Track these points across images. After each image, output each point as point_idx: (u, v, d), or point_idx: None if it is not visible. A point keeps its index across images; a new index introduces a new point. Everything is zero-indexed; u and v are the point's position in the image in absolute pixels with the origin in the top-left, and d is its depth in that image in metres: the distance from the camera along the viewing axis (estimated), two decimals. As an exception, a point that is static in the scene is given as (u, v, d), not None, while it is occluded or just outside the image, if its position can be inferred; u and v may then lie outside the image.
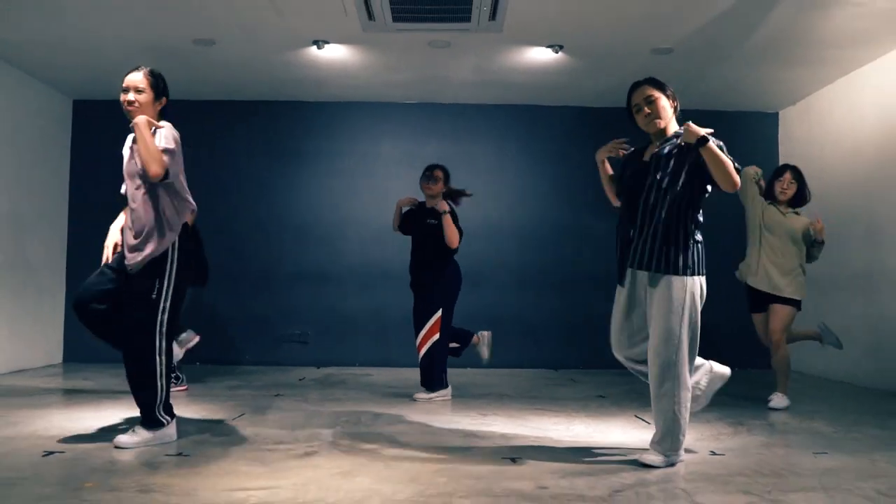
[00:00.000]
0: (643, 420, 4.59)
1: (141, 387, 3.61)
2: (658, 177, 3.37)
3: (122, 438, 3.56)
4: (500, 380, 6.60)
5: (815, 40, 5.86)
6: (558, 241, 7.85)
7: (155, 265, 3.58)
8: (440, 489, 2.90)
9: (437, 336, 5.33)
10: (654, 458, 3.37)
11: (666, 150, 3.42)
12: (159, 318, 3.59)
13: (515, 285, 7.77)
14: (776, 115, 8.06)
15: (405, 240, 8.09)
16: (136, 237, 3.56)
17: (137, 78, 3.63)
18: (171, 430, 3.71)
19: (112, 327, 3.70)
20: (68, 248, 7.71)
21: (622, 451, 3.68)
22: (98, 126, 7.78)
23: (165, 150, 3.54)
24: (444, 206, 5.39)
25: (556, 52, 6.22)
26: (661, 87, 3.51)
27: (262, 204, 7.83)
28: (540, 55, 6.32)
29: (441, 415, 4.73)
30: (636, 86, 3.53)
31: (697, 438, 3.99)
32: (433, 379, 5.38)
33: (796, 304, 5.24)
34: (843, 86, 6.83)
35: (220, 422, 4.35)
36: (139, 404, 3.65)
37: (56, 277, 7.56)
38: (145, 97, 3.62)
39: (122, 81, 3.65)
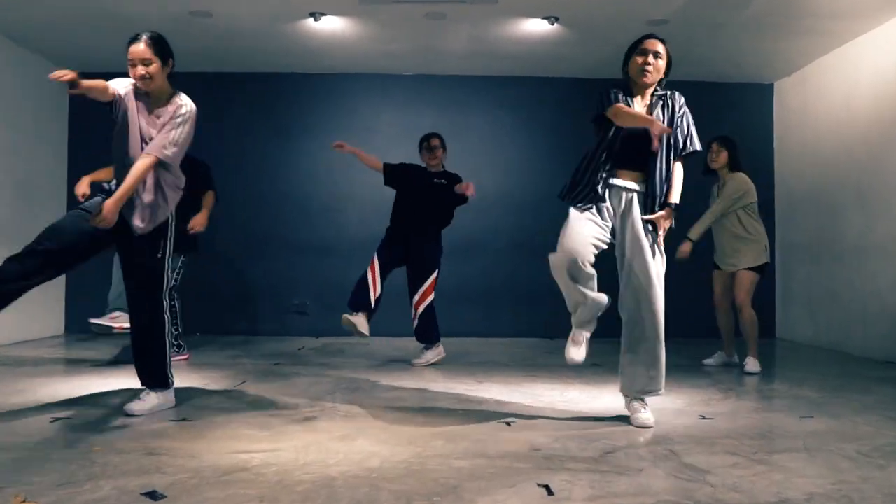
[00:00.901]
0: (635, 386, 4.69)
1: (150, 347, 3.70)
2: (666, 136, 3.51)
3: (132, 406, 3.64)
4: (496, 348, 6.70)
5: (811, 11, 5.88)
6: (552, 210, 7.81)
7: (159, 227, 3.68)
8: (437, 451, 3.00)
9: (432, 296, 5.56)
10: (649, 415, 3.56)
11: (661, 112, 3.59)
12: (165, 276, 3.70)
13: (510, 254, 7.85)
14: (771, 86, 8.09)
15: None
16: (144, 202, 3.60)
17: (141, 49, 3.54)
18: (171, 394, 3.82)
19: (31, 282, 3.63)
20: (68, 221, 7.75)
21: (614, 416, 3.78)
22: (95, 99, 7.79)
23: (175, 143, 3.62)
24: (472, 190, 5.55)
25: (552, 24, 6.24)
26: (669, 54, 3.65)
27: (261, 176, 7.88)
28: (535, 27, 6.35)
29: (437, 381, 4.84)
30: (652, 36, 3.64)
31: (688, 403, 4.10)
32: (432, 333, 5.58)
33: (757, 269, 5.48)
34: (837, 57, 6.86)
35: (221, 390, 4.45)
36: (148, 366, 3.73)
37: (56, 249, 7.61)
38: (155, 67, 3.56)
39: (127, 53, 3.57)
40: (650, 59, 3.56)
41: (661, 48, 3.60)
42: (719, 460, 2.91)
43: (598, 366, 5.59)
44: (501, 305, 7.82)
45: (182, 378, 4.80)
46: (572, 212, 3.57)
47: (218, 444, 3.07)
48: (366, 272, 5.53)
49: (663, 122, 3.55)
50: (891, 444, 3.19)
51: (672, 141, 3.57)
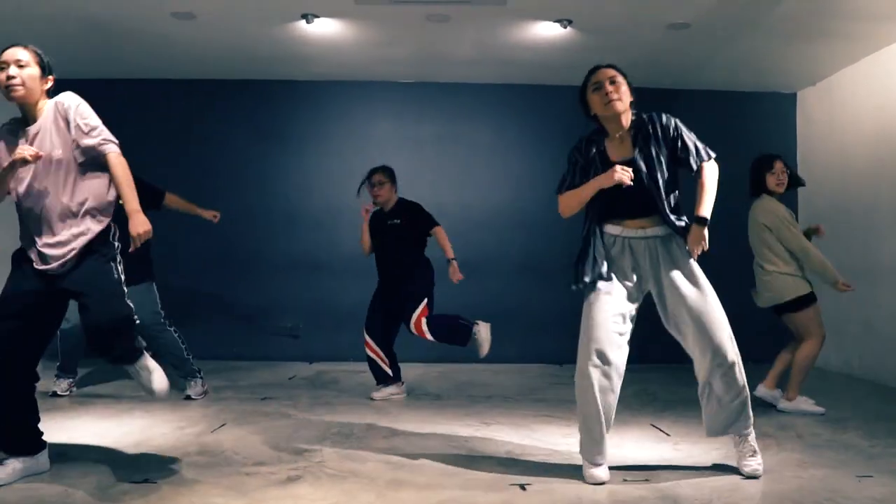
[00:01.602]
0: (660, 430, 4.21)
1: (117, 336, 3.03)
2: (651, 171, 3.22)
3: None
4: (503, 377, 6.22)
5: (841, 14, 5.42)
6: (562, 228, 7.35)
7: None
8: (441, 531, 2.51)
9: (427, 314, 5.11)
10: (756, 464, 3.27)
11: (643, 144, 3.26)
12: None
13: (517, 275, 7.38)
14: (794, 95, 7.64)
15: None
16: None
17: (18, 51, 3.08)
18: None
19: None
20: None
21: (643, 472, 3.29)
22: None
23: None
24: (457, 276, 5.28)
25: (565, 28, 5.78)
26: (624, 73, 3.34)
27: (249, 189, 7.41)
28: (546, 30, 5.88)
29: (439, 423, 4.34)
30: (597, 68, 3.35)
31: (725, 456, 3.60)
32: (459, 333, 5.12)
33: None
34: (868, 65, 6.39)
35: (196, 435, 3.94)
36: (120, 351, 3.05)
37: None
38: (30, 73, 3.07)
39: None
40: (608, 87, 3.25)
41: (612, 72, 3.31)
42: (781, 547, 2.41)
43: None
44: (508, 330, 7.30)
45: (155, 418, 4.33)
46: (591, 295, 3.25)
47: (180, 521, 2.58)
48: (367, 352, 5.20)
49: (651, 152, 3.24)
50: (977, 518, 2.70)
51: (663, 169, 3.25)
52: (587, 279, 3.24)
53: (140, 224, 2.99)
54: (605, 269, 3.22)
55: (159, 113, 7.31)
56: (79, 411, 4.54)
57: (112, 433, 3.96)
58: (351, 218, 7.37)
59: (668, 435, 4.10)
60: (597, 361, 3.17)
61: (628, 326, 3.26)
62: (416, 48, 6.44)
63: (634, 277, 3.25)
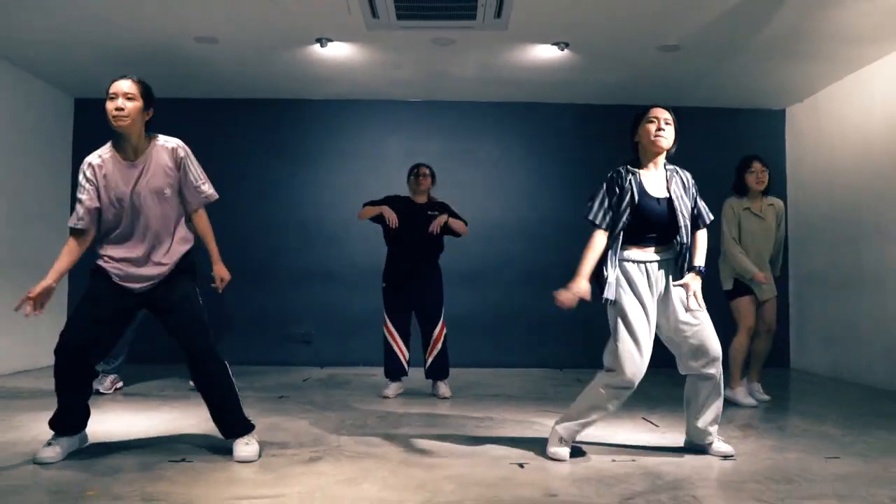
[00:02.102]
0: (650, 422, 4.54)
1: (228, 396, 3.56)
2: (680, 203, 3.60)
3: (244, 451, 3.45)
4: (506, 381, 6.54)
5: (824, 36, 5.79)
6: (563, 239, 7.75)
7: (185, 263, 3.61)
8: (448, 497, 2.85)
9: (443, 339, 5.53)
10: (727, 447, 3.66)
11: (675, 183, 3.65)
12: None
13: (520, 284, 7.72)
14: (783, 112, 8.00)
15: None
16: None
17: (126, 84, 3.40)
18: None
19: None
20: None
21: (631, 455, 3.63)
22: (99, 124, 7.66)
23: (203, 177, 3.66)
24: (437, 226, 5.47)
25: (562, 50, 6.16)
26: (676, 119, 3.68)
27: (266, 202, 7.79)
28: (545, 52, 6.27)
29: (447, 417, 4.69)
30: (658, 105, 3.68)
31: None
32: (447, 369, 5.56)
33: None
34: (852, 83, 6.76)
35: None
36: (230, 417, 3.56)
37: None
38: (135, 105, 3.39)
39: (109, 88, 3.41)
40: (662, 125, 3.58)
41: (669, 116, 3.62)
42: (746, 508, 2.75)
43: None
44: (512, 336, 7.67)
45: (184, 413, 4.68)
46: (626, 308, 3.49)
47: (217, 489, 2.93)
48: (385, 336, 5.52)
49: (679, 193, 3.62)
50: (925, 489, 3.03)
51: (688, 212, 3.63)
52: (610, 297, 3.49)
53: (225, 271, 3.66)
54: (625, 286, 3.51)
55: (184, 130, 7.53)
56: (111, 406, 4.88)
57: (144, 424, 4.31)
58: (362, 231, 7.75)
59: (656, 426, 4.44)
60: (632, 379, 3.46)
61: (652, 339, 3.56)
62: (424, 69, 6.83)
63: (651, 294, 3.54)
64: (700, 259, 3.62)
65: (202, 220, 3.66)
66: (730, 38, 5.90)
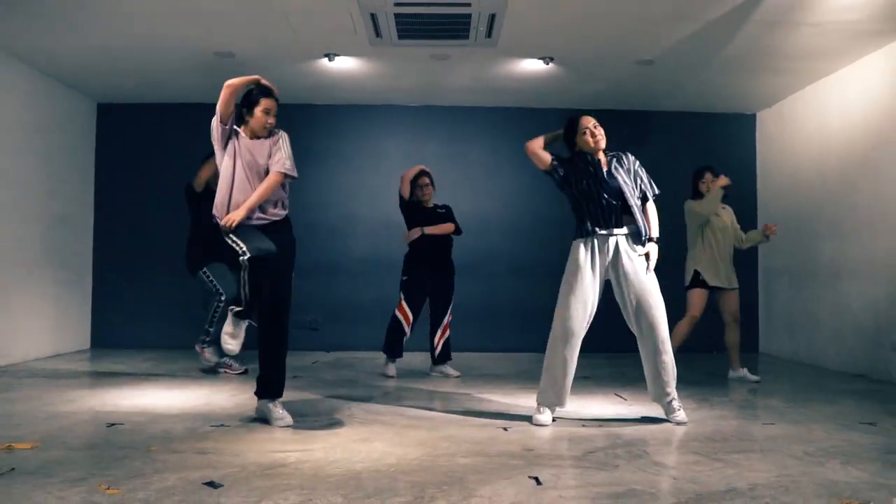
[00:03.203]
0: (621, 397, 5.20)
1: (282, 353, 4.29)
2: (627, 186, 4.33)
3: (284, 417, 4.13)
4: (497, 363, 7.21)
5: (781, 54, 6.44)
6: (548, 233, 8.44)
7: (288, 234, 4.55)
8: (444, 451, 3.51)
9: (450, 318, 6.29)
10: (682, 415, 4.29)
11: (622, 170, 4.37)
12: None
13: (510, 275, 8.38)
14: (754, 116, 8.63)
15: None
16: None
17: (275, 103, 4.29)
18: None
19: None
20: (94, 243, 8.30)
21: (596, 422, 4.29)
22: (121, 128, 8.36)
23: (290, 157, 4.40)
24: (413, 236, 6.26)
25: (547, 64, 6.79)
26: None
27: (275, 200, 8.41)
28: (532, 66, 6.90)
29: (443, 393, 5.35)
30: (581, 115, 4.47)
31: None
32: (450, 354, 6.29)
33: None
34: (811, 93, 7.41)
35: (248, 399, 4.96)
36: (275, 374, 4.23)
37: (83, 270, 8.15)
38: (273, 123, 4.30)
39: (265, 102, 4.25)
40: (594, 129, 4.36)
41: (594, 120, 4.41)
42: (684, 458, 3.42)
43: (588, 378, 6.10)
44: (502, 323, 8.33)
45: (210, 390, 5.33)
46: (574, 269, 4.25)
47: (257, 445, 3.59)
48: (397, 317, 6.20)
49: (622, 175, 4.32)
50: (835, 446, 3.69)
51: (637, 190, 4.34)
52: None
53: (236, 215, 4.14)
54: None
55: (204, 131, 8.26)
56: (144, 384, 5.52)
57: (180, 398, 4.96)
58: (364, 226, 8.41)
59: (625, 399, 5.11)
60: (569, 333, 4.21)
61: (595, 303, 4.27)
62: (422, 80, 7.45)
63: (598, 266, 4.25)
64: (656, 229, 4.32)
65: (271, 177, 4.35)
66: (699, 54, 6.54)
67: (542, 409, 4.27)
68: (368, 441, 3.72)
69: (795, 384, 6.01)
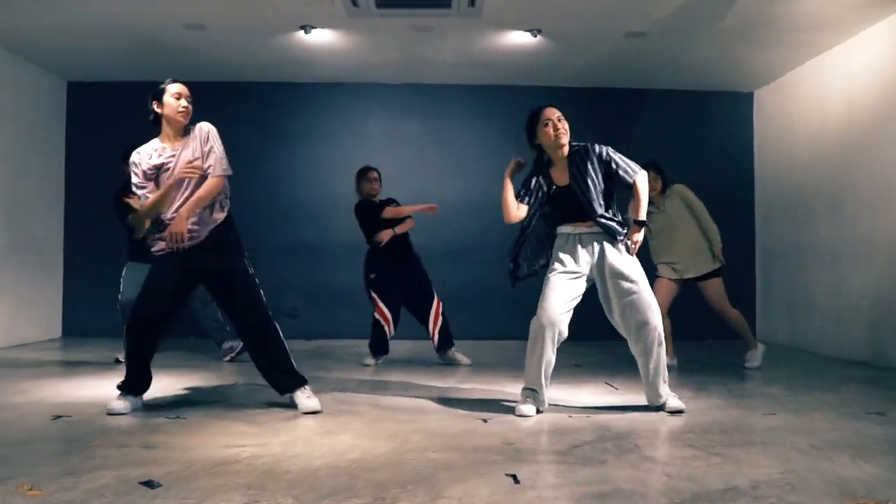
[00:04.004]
0: (611, 385, 4.91)
1: (275, 353, 4.01)
2: (592, 184, 3.96)
3: (308, 403, 3.91)
4: (482, 350, 6.89)
5: (784, 24, 6.12)
6: (540, 217, 8.13)
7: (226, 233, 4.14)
8: (415, 445, 3.20)
9: (440, 303, 5.97)
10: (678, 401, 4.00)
11: (584, 167, 3.97)
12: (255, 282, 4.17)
13: (497, 260, 7.98)
14: (751, 94, 8.32)
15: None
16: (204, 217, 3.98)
17: (186, 90, 3.96)
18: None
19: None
20: (65, 227, 7.96)
21: (587, 413, 3.99)
22: (92, 107, 8.01)
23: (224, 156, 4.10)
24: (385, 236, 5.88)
25: (535, 36, 6.46)
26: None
27: (255, 182, 8.05)
28: (519, 38, 6.57)
29: (422, 382, 5.04)
30: (545, 107, 4.05)
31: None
32: (451, 332, 5.99)
33: (718, 272, 5.70)
34: (811, 68, 7.10)
35: (215, 388, 4.65)
36: (281, 372, 3.99)
37: (54, 255, 7.82)
38: (191, 107, 3.96)
39: (172, 88, 3.92)
40: (560, 125, 3.97)
41: (558, 112, 4.01)
42: (678, 453, 3.12)
43: (579, 366, 5.81)
44: (490, 310, 8.02)
45: (177, 379, 5.02)
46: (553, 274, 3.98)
47: (211, 439, 3.28)
48: (378, 320, 5.89)
49: (585, 172, 3.95)
50: (843, 438, 3.39)
51: (608, 183, 3.98)
52: (536, 267, 4.19)
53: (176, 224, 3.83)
54: (542, 262, 4.12)
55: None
56: (107, 374, 5.19)
57: (142, 389, 4.64)
58: (345, 206, 8.06)
59: (616, 388, 4.81)
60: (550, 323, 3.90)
61: (577, 299, 3.96)
62: (403, 54, 7.12)
63: (582, 263, 3.96)
64: (641, 212, 3.96)
65: (211, 182, 4.01)
66: (693, 26, 6.21)
67: (526, 398, 3.97)
68: (333, 434, 3.42)
69: (794, 371, 5.72)
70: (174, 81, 3.96)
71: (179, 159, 3.90)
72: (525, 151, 7.79)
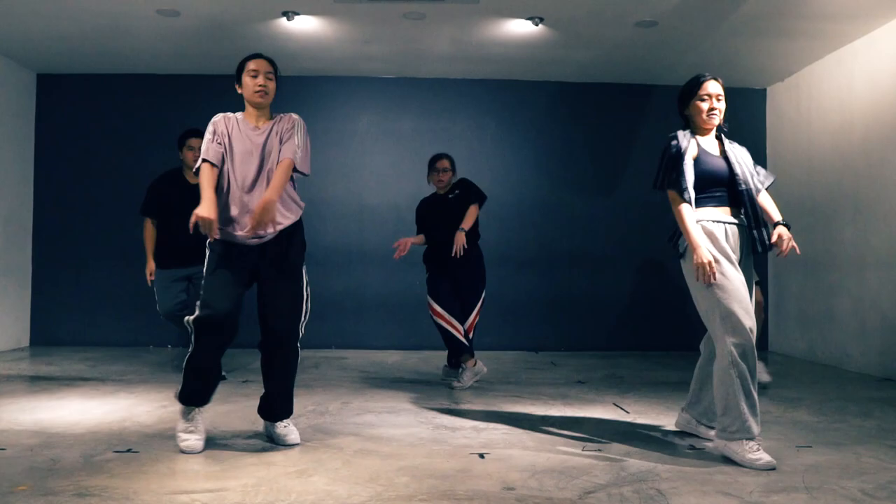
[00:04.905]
0: (622, 409, 4.43)
1: (291, 373, 3.57)
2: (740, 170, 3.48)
3: (285, 435, 3.45)
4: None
5: (805, 13, 5.65)
6: (537, 218, 7.67)
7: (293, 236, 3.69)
8: (399, 491, 2.71)
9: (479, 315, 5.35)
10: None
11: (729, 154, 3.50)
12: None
13: (494, 264, 7.50)
14: (764, 91, 7.86)
15: (384, 218, 7.87)
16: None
17: (267, 63, 3.53)
18: None
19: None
20: (33, 229, 7.45)
21: (596, 443, 3.51)
22: (63, 100, 7.51)
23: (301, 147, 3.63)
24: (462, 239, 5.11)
25: (536, 25, 5.98)
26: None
27: (235, 182, 7.59)
28: (519, 27, 6.08)
29: (413, 403, 4.55)
30: (711, 78, 3.55)
31: (675, 431, 3.82)
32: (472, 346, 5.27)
33: None
34: (832, 61, 6.62)
35: (178, 413, 4.14)
36: (286, 395, 3.52)
37: (22, 259, 7.30)
38: (273, 86, 3.54)
39: (249, 64, 3.53)
40: (714, 103, 3.50)
41: (722, 90, 3.54)
42: (711, 501, 2.63)
43: (583, 383, 5.33)
44: (487, 319, 7.49)
45: (138, 398, 4.53)
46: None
47: (159, 482, 2.78)
48: (439, 324, 5.20)
49: (734, 161, 3.47)
50: (896, 480, 2.92)
51: (751, 177, 3.50)
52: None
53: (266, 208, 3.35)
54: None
55: (146, 107, 7.46)
56: (65, 392, 4.71)
57: (97, 411, 4.14)
58: (333, 209, 7.60)
59: (627, 412, 4.32)
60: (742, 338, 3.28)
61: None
62: (395, 45, 6.62)
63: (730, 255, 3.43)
64: (779, 215, 3.53)
65: (281, 166, 3.59)
66: (709, 14, 5.74)
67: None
68: (306, 475, 2.92)
69: (817, 390, 5.23)
70: (254, 56, 3.56)
71: (266, 146, 3.52)
72: (524, 151, 7.34)
